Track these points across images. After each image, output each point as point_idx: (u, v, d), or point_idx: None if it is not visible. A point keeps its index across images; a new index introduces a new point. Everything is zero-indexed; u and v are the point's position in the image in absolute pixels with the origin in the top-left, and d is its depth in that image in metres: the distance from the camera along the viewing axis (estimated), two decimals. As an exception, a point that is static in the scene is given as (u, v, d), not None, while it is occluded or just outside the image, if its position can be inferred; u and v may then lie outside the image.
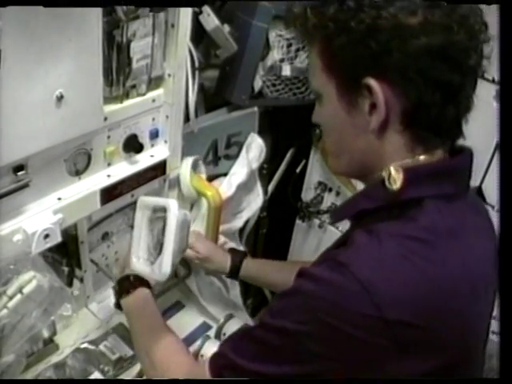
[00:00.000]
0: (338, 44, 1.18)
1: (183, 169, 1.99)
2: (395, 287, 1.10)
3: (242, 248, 2.46)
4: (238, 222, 2.39)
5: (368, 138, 1.22)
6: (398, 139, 1.21)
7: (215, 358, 1.37)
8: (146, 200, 1.68)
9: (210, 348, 1.91)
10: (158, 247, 1.66)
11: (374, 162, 1.25)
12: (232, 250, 2.15)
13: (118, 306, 1.76)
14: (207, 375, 1.34)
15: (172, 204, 1.64)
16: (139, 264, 1.69)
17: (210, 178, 2.16)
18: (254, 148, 2.33)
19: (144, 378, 1.85)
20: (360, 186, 2.42)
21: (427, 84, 1.14)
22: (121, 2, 1.50)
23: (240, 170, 2.27)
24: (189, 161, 2.00)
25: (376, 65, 1.15)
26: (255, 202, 2.44)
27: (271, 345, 1.22)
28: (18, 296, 1.49)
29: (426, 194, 1.19)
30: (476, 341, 1.28)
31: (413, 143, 1.21)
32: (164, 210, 1.66)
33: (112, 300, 1.82)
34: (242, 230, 2.54)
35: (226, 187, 2.19)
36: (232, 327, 1.99)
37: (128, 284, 1.73)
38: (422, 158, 1.22)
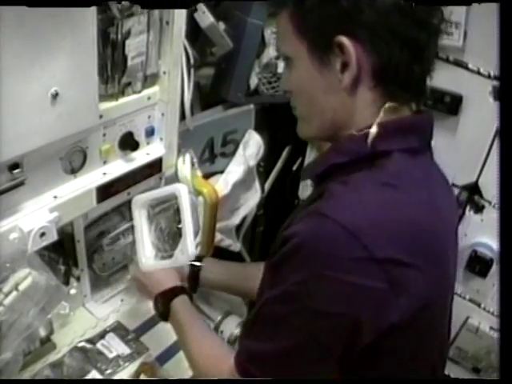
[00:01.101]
0: (309, 4, 1.22)
1: (181, 164, 1.98)
2: (379, 227, 1.14)
3: (238, 245, 2.46)
4: (235, 219, 2.39)
5: (340, 96, 1.26)
6: (368, 96, 1.25)
7: (237, 356, 1.36)
8: (142, 198, 1.67)
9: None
10: (169, 239, 1.64)
11: (345, 119, 1.29)
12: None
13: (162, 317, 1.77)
14: (237, 376, 1.33)
15: (181, 188, 1.62)
16: (151, 262, 1.67)
17: (206, 176, 2.15)
18: (252, 145, 2.33)
19: (141, 377, 1.85)
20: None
21: (396, 41, 1.18)
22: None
23: (236, 168, 2.27)
24: (186, 156, 1.98)
25: (347, 23, 1.18)
26: (253, 198, 2.43)
27: (279, 316, 1.23)
28: (14, 293, 1.49)
29: (394, 148, 1.24)
30: (448, 288, 1.36)
31: (382, 99, 1.25)
32: (168, 199, 1.64)
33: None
34: (238, 227, 2.54)
35: (222, 185, 2.19)
36: (230, 324, 1.99)
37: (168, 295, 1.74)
38: (390, 114, 1.25)
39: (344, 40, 1.18)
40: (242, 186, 2.34)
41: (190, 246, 1.56)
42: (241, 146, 2.32)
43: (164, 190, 1.61)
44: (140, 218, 1.66)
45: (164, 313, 1.72)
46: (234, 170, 2.26)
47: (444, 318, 1.39)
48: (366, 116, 1.26)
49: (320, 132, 1.38)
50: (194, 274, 1.93)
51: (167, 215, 1.62)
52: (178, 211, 1.60)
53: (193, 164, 2.00)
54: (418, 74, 1.25)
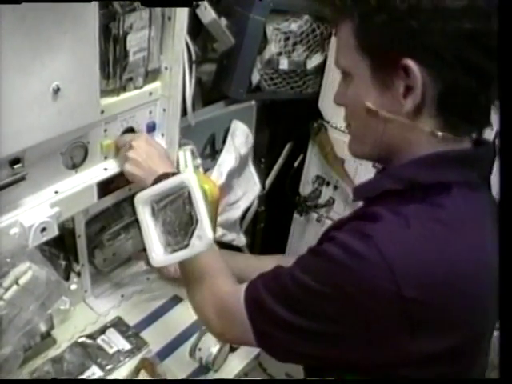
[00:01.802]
0: (377, 22, 1.15)
1: (182, 157, 1.98)
2: (416, 266, 1.11)
3: (242, 239, 2.46)
4: (236, 212, 2.38)
5: (399, 121, 1.21)
6: (429, 123, 1.19)
7: (250, 286, 1.38)
8: (145, 195, 1.65)
9: (208, 342, 1.91)
10: (180, 230, 1.61)
11: (401, 144, 1.24)
12: None
13: None
14: (241, 300, 1.36)
15: (190, 177, 1.60)
16: (163, 257, 1.63)
17: (205, 171, 2.15)
18: (239, 134, 2.32)
19: (142, 373, 1.85)
20: (359, 181, 2.43)
21: (464, 69, 1.13)
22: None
23: (228, 157, 2.26)
24: (188, 151, 1.98)
25: (415, 45, 1.13)
26: (252, 190, 2.43)
27: (293, 294, 1.25)
28: (14, 287, 1.48)
29: (452, 180, 1.20)
30: (486, 327, 1.30)
31: (443, 128, 1.20)
32: (174, 191, 1.62)
33: None
34: (239, 223, 2.54)
35: (216, 175, 2.19)
36: (207, 343, 1.98)
37: None
38: (450, 143, 1.21)
39: (411, 64, 1.13)
40: (236, 175, 2.33)
41: (207, 230, 1.53)
42: (229, 137, 2.31)
43: (169, 183, 1.57)
44: (145, 215, 1.63)
45: None
46: (226, 160, 2.26)
47: (478, 356, 1.34)
48: (423, 143, 1.21)
49: (373, 153, 1.33)
50: None
51: (175, 207, 1.59)
52: (188, 200, 1.57)
53: (194, 156, 1.99)
54: (483, 105, 1.20)
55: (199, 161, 2.07)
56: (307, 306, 1.22)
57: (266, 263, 1.78)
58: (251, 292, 1.37)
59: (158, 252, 1.55)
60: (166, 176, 1.59)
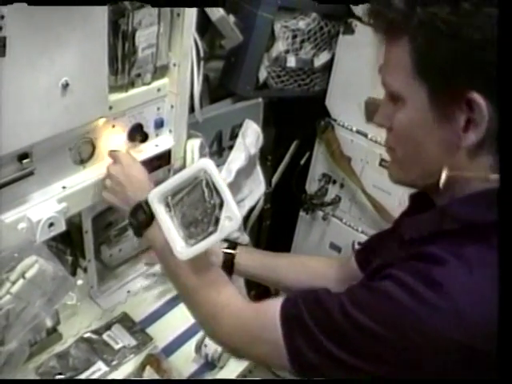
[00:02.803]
0: (445, 49, 1.06)
1: (190, 150, 1.98)
2: (487, 317, 1.04)
3: (246, 237, 2.46)
4: (241, 211, 2.38)
5: (454, 153, 1.13)
6: (487, 160, 1.12)
7: (288, 306, 1.28)
8: (159, 191, 1.60)
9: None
10: (203, 218, 1.58)
11: (453, 177, 1.16)
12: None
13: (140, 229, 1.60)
14: (276, 318, 1.27)
15: (207, 162, 1.55)
16: (189, 250, 1.57)
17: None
18: (250, 134, 2.32)
19: (147, 369, 1.85)
20: (365, 179, 2.43)
21: None
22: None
23: (238, 155, 2.26)
24: (195, 144, 1.98)
25: (483, 77, 1.05)
26: (258, 189, 2.43)
27: (342, 330, 1.17)
28: (21, 281, 1.49)
29: None
30: None
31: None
32: (190, 182, 1.58)
33: None
34: (245, 221, 2.54)
35: (225, 174, 2.19)
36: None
37: None
38: None
39: (477, 98, 1.04)
40: (244, 174, 2.33)
41: (235, 210, 1.49)
42: (240, 135, 2.31)
43: (185, 174, 1.53)
44: (162, 213, 1.60)
45: (145, 222, 1.55)
46: (236, 158, 2.26)
47: None
48: (478, 178, 1.13)
49: (419, 182, 1.27)
50: (228, 261, 1.82)
51: (193, 198, 1.55)
52: (206, 187, 1.54)
53: (202, 148, 1.99)
54: None
55: (207, 154, 2.07)
56: (357, 344, 1.16)
57: (282, 262, 1.78)
58: (290, 312, 1.27)
59: (182, 246, 1.51)
60: (140, 206, 1.53)
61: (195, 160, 1.98)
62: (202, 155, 2.01)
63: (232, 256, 1.81)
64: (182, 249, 1.47)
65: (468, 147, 1.10)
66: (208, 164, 1.47)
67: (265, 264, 1.83)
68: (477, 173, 1.13)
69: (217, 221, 1.47)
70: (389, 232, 1.62)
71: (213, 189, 1.47)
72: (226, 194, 1.46)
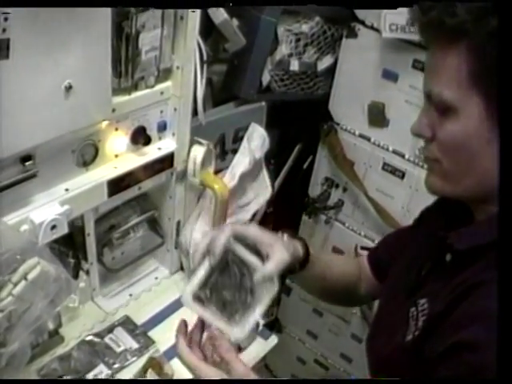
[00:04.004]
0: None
1: (191, 163, 1.98)
2: None
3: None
4: (246, 215, 2.37)
5: None
6: None
7: None
8: (188, 292, 1.46)
9: None
10: (235, 299, 1.49)
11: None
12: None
13: None
14: None
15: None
16: (240, 330, 1.49)
17: (216, 172, 2.15)
18: (256, 137, 2.31)
19: (149, 372, 1.85)
20: (368, 183, 2.43)
21: None
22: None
23: (242, 159, 2.25)
24: (199, 153, 1.98)
25: None
26: (263, 193, 2.42)
27: None
28: (23, 282, 1.48)
29: None
30: None
31: None
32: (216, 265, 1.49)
33: None
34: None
35: (228, 177, 2.18)
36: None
37: None
38: None
39: None
40: (249, 178, 2.32)
41: (266, 270, 1.37)
42: (245, 139, 2.31)
43: (206, 265, 1.44)
44: (201, 310, 1.49)
45: None
46: (240, 162, 2.25)
47: None
48: None
49: (466, 194, 1.22)
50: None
51: (222, 280, 1.47)
52: (233, 264, 1.46)
53: (209, 155, 1.99)
54: None
55: (213, 161, 2.06)
56: None
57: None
58: None
59: (234, 331, 1.43)
60: None
61: (197, 169, 1.98)
62: (208, 162, 2.01)
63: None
64: (236, 333, 1.38)
65: None
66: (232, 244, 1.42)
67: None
68: None
69: (251, 290, 1.42)
70: (408, 229, 1.61)
71: (237, 262, 1.42)
72: (252, 259, 1.40)
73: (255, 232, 1.47)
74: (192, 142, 1.98)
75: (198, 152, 1.98)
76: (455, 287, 1.17)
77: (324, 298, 1.96)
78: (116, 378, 1.85)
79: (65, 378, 1.82)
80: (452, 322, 1.14)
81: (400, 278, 1.47)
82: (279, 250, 1.42)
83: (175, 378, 1.84)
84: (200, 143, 1.99)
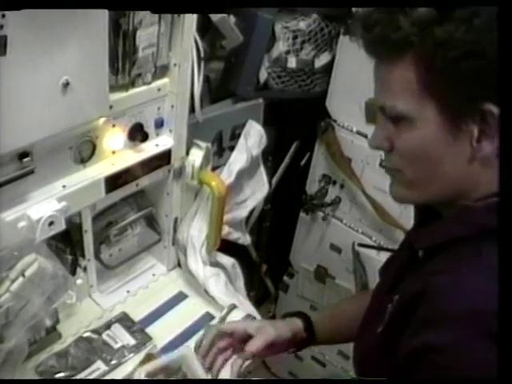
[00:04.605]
0: (463, 66, 1.04)
1: (194, 154, 2.00)
2: None
3: (247, 238, 2.46)
4: (243, 212, 2.38)
5: (469, 166, 1.12)
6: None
7: None
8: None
9: None
10: None
11: (468, 188, 1.16)
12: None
13: None
14: None
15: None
16: None
17: (213, 169, 2.15)
18: (253, 134, 2.32)
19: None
20: (366, 180, 2.43)
21: None
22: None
23: (239, 156, 2.26)
24: (199, 154, 2.00)
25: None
26: (260, 190, 2.43)
27: None
28: (20, 279, 1.49)
29: None
30: None
31: None
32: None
33: None
34: (245, 222, 2.54)
35: (225, 174, 2.19)
36: (235, 317, 1.99)
37: None
38: None
39: (492, 108, 1.04)
40: (246, 175, 2.33)
41: None
42: (242, 136, 2.31)
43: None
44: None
45: None
46: (237, 159, 2.25)
47: None
48: (492, 185, 1.10)
49: (431, 199, 1.23)
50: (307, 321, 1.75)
51: None
52: None
53: (207, 157, 2.00)
54: None
55: (210, 161, 2.07)
56: None
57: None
58: None
59: None
60: None
61: (195, 172, 1.99)
62: (206, 163, 2.02)
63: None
64: None
65: (484, 157, 1.10)
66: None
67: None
68: (490, 178, 1.11)
69: None
70: (397, 251, 1.63)
71: None
72: None
73: (241, 324, 1.69)
74: (190, 145, 1.99)
75: (197, 156, 2.00)
76: (419, 280, 1.19)
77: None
78: (113, 374, 1.86)
79: (62, 374, 1.82)
80: (416, 320, 1.15)
81: (383, 281, 1.51)
82: (264, 330, 1.60)
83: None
84: (198, 146, 2.00)
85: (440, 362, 1.06)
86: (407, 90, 1.11)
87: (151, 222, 2.20)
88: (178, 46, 1.75)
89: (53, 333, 1.91)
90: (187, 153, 2.00)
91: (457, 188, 1.17)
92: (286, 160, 2.78)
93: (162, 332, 2.02)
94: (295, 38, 2.26)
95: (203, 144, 2.01)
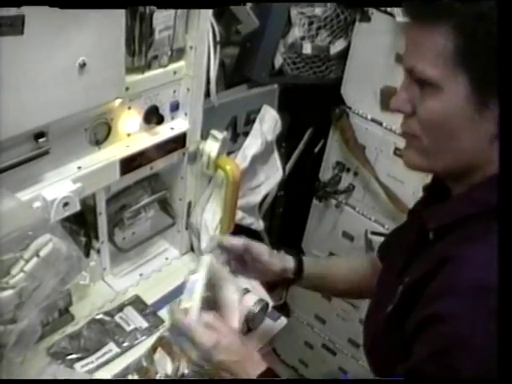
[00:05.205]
0: (490, 31, 1.02)
1: (210, 145, 2.00)
2: None
3: (260, 223, 2.46)
4: (256, 197, 2.38)
5: (487, 144, 1.13)
6: None
7: None
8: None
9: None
10: None
11: (481, 165, 1.17)
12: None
13: None
14: None
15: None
16: None
17: (227, 154, 2.15)
18: (268, 119, 2.32)
19: (158, 351, 1.85)
20: (379, 168, 2.42)
21: None
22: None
23: (254, 141, 2.26)
24: (215, 146, 2.00)
25: None
26: (274, 176, 2.43)
27: None
28: (35, 259, 1.49)
29: None
30: None
31: None
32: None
33: None
34: (258, 208, 2.54)
35: (240, 159, 2.19)
36: (247, 302, 1.99)
37: None
38: None
39: None
40: (260, 160, 2.33)
41: None
42: (257, 121, 2.31)
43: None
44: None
45: None
46: (252, 144, 2.25)
47: None
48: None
49: (445, 170, 1.24)
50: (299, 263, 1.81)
51: None
52: None
53: (224, 146, 2.01)
54: None
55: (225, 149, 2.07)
56: None
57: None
58: None
59: None
60: None
61: (211, 163, 2.00)
62: (222, 151, 2.02)
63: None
64: None
65: None
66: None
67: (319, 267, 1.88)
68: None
69: None
70: (404, 225, 1.64)
71: None
72: None
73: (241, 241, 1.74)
74: (206, 132, 1.99)
75: (213, 148, 1.99)
76: (429, 261, 1.21)
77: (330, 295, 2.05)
78: (125, 356, 1.86)
79: (74, 356, 1.82)
80: (426, 295, 1.16)
81: (392, 262, 1.50)
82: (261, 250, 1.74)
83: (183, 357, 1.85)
84: (215, 137, 2.00)
85: (444, 330, 1.08)
86: (441, 57, 1.10)
87: (165, 205, 2.20)
88: (195, 29, 1.74)
89: (66, 314, 1.92)
90: (202, 138, 2.00)
91: (470, 163, 1.18)
92: (300, 146, 2.78)
93: (175, 315, 2.02)
94: (311, 24, 2.26)
95: (220, 135, 2.00)
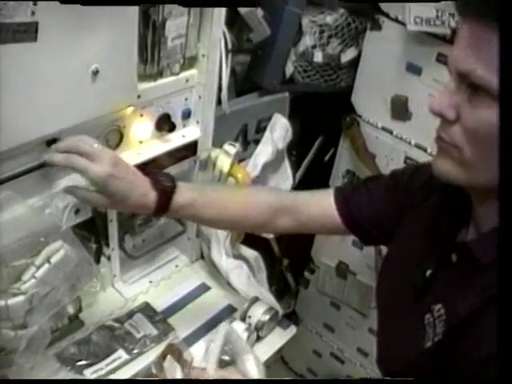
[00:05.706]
0: None
1: (222, 160, 2.01)
2: None
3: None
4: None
5: None
6: None
7: None
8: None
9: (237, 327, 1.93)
10: None
11: None
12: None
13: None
14: None
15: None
16: None
17: (238, 161, 2.15)
18: (279, 128, 2.32)
19: (168, 358, 1.85)
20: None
21: None
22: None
23: (265, 149, 2.26)
24: (227, 161, 2.00)
25: None
26: (284, 184, 2.43)
27: None
28: (46, 266, 1.49)
29: None
30: None
31: None
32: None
33: None
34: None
35: (251, 167, 2.19)
36: (257, 310, 1.99)
37: None
38: None
39: None
40: (271, 168, 2.34)
41: None
42: (268, 129, 2.32)
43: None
44: None
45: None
46: (262, 152, 2.26)
47: None
48: None
49: (485, 186, 1.11)
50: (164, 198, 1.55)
51: None
52: None
53: (236, 157, 2.01)
54: None
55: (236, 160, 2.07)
56: None
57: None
58: None
59: None
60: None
61: (223, 178, 2.00)
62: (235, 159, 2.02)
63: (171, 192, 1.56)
64: None
65: None
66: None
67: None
68: None
69: None
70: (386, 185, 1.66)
71: None
72: None
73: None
74: (218, 141, 2.00)
75: (225, 163, 2.00)
76: (474, 297, 1.13)
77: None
78: (135, 363, 1.86)
79: (84, 362, 1.82)
80: (477, 333, 1.11)
81: (401, 279, 1.42)
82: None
83: (193, 364, 1.85)
84: (227, 153, 2.00)
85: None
86: (490, 55, 0.97)
87: (175, 213, 2.20)
88: (207, 37, 1.75)
89: (75, 321, 1.92)
90: (213, 145, 2.00)
91: None
92: (310, 155, 2.78)
93: (184, 323, 2.02)
94: (322, 32, 2.27)
95: (232, 149, 2.01)
